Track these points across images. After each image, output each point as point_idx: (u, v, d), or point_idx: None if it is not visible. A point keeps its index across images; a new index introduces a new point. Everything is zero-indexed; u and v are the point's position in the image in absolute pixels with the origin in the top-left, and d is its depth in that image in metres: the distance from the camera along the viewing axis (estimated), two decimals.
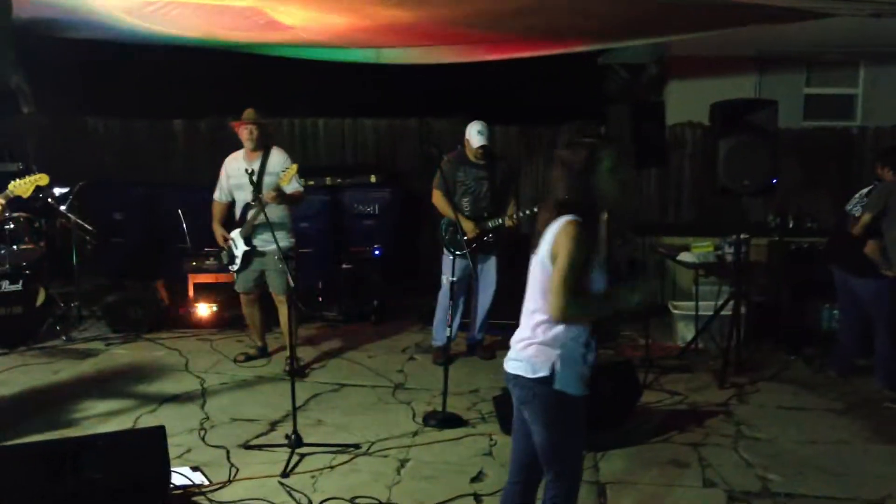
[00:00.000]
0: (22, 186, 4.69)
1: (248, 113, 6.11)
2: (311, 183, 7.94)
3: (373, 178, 8.81)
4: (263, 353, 6.57)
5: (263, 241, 6.00)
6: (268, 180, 5.99)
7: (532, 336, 3.07)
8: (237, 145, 6.27)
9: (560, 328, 3.01)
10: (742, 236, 6.36)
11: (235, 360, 6.48)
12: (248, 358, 6.50)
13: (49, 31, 8.49)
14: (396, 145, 9.54)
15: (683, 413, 5.45)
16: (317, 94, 11.04)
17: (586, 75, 11.95)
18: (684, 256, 7.08)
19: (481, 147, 6.18)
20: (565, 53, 8.58)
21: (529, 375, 3.05)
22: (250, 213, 6.01)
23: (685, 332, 6.98)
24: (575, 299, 2.91)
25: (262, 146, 6.12)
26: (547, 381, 3.01)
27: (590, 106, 10.46)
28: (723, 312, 6.44)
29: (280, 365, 6.30)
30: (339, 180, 8.76)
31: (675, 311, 7.14)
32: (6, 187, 4.68)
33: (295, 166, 5.82)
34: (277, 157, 6.11)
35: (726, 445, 4.91)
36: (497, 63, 8.62)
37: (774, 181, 6.08)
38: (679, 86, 9.67)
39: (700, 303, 6.82)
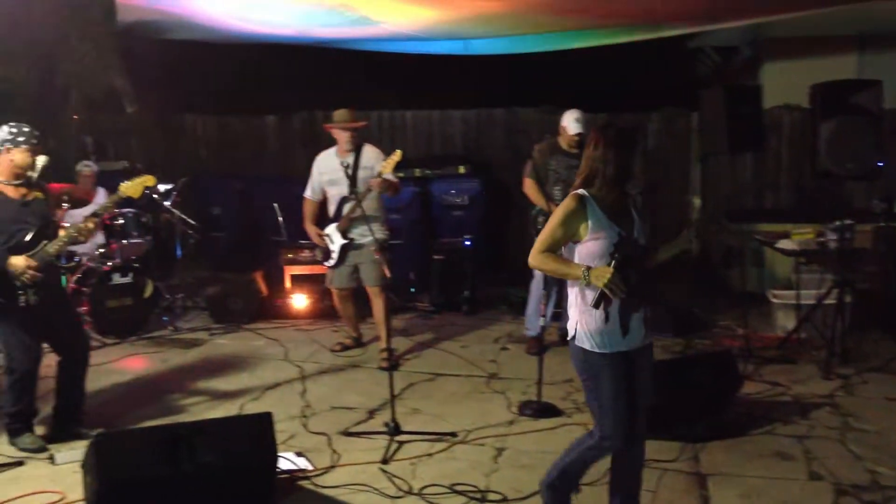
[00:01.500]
0: (132, 188, 4.88)
1: (343, 115, 6.17)
2: (401, 175, 8.00)
3: (461, 169, 8.85)
4: (359, 343, 6.71)
5: (360, 234, 6.10)
6: (362, 174, 6.08)
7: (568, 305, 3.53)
8: (328, 140, 6.40)
9: (576, 294, 3.40)
10: (846, 222, 6.14)
11: (332, 350, 6.63)
12: (345, 348, 6.64)
13: (150, 34, 8.85)
14: (484, 135, 9.56)
15: (786, 404, 5.32)
16: (404, 87, 11.14)
17: (675, 60, 11.69)
18: (784, 244, 6.88)
19: (577, 135, 6.17)
20: (654, 39, 8.44)
21: (568, 339, 3.47)
22: (346, 207, 6.12)
23: (785, 321, 6.80)
24: (541, 255, 3.37)
25: (356, 145, 6.22)
26: (574, 340, 3.41)
27: (679, 91, 10.25)
28: (826, 301, 6.24)
29: (374, 353, 6.42)
30: (427, 172, 8.83)
31: (775, 300, 6.96)
32: (118, 187, 4.88)
33: (399, 152, 5.85)
34: (370, 153, 6.19)
35: (833, 438, 4.77)
36: (583, 50, 8.54)
37: (881, 164, 5.86)
38: (774, 68, 9.39)
39: (801, 291, 6.63)
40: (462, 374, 6.06)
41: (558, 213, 3.38)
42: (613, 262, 3.23)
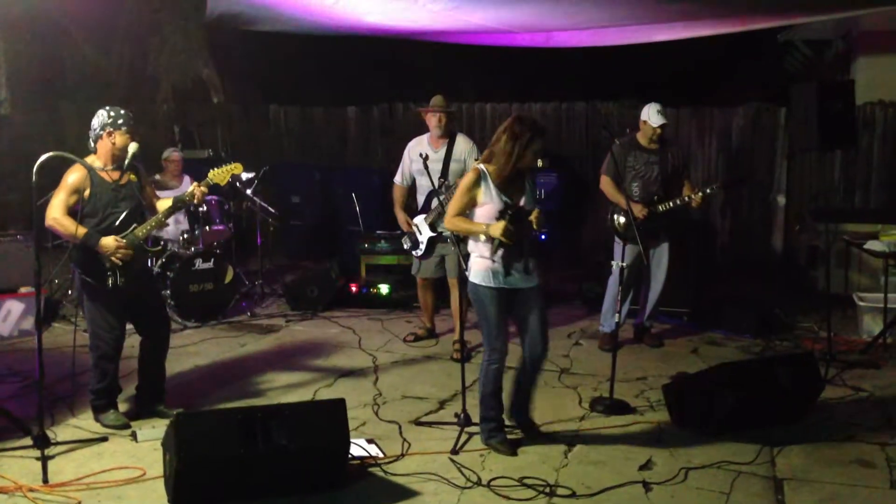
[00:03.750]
0: (219, 175, 5.00)
1: (437, 100, 6.19)
2: None
3: (539, 163, 8.75)
4: (432, 334, 6.74)
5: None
6: (453, 167, 6.09)
7: None
8: (407, 131, 6.42)
9: (470, 241, 4.51)
10: None
11: (405, 340, 6.68)
12: (417, 338, 6.68)
13: (237, 25, 9.04)
14: (563, 129, 9.48)
15: (869, 410, 5.13)
16: (483, 79, 11.15)
17: (764, 53, 11.37)
18: (872, 245, 6.63)
19: (661, 126, 6.06)
20: (741, 32, 8.21)
21: (466, 273, 4.58)
22: (435, 200, 6.12)
23: (872, 325, 6.55)
24: (453, 218, 4.48)
25: (448, 133, 6.23)
26: (469, 277, 4.51)
27: (767, 85, 9.96)
28: None
29: (447, 345, 6.45)
30: None
31: (861, 303, 6.71)
32: (206, 174, 5.01)
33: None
34: (463, 145, 6.18)
35: None
36: (668, 43, 8.37)
37: None
38: (869, 62, 9.00)
39: (889, 294, 6.38)
40: None
41: (462, 184, 4.49)
42: (507, 219, 4.27)
